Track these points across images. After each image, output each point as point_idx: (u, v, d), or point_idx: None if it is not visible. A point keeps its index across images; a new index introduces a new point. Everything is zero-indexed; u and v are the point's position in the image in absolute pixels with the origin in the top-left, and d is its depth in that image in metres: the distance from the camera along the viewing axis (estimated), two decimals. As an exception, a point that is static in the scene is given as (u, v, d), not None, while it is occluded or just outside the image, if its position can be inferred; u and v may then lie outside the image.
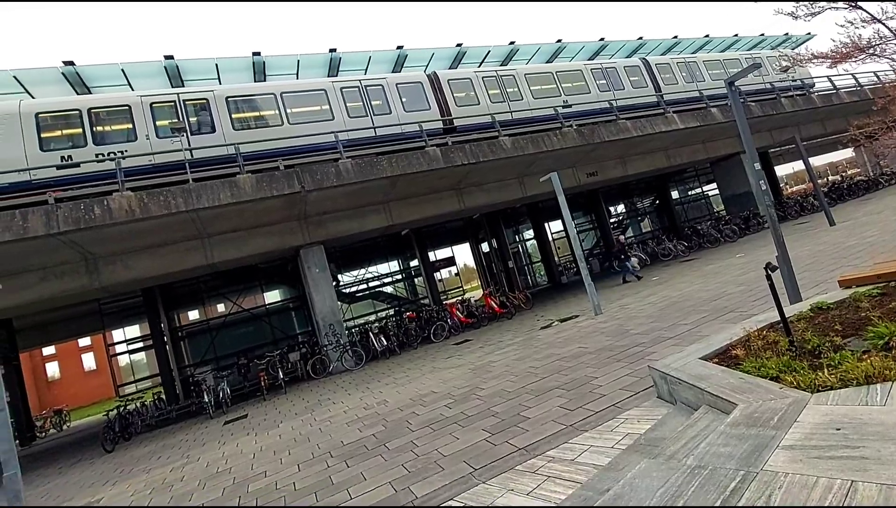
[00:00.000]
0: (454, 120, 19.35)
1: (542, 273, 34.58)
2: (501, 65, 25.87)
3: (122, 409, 14.65)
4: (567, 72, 22.68)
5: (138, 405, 16.00)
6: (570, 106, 21.65)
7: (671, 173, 32.57)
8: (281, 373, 15.12)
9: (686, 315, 9.58)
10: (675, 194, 36.08)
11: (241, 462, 8.01)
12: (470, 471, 5.04)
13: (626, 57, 28.45)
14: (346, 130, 17.39)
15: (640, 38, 27.61)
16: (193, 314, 26.27)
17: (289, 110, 17.21)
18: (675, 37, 28.48)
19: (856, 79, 27.71)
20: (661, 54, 29.51)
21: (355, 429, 8.16)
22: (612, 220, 33.45)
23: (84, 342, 58.96)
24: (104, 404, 29.84)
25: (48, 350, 58.11)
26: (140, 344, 26.27)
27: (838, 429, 3.21)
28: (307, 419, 10.14)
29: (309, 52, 20.20)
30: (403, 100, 18.83)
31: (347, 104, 17.99)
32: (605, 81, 23.23)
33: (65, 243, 13.20)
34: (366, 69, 23.03)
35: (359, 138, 17.67)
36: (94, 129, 14.93)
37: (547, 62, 26.74)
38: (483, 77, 20.70)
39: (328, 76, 21.80)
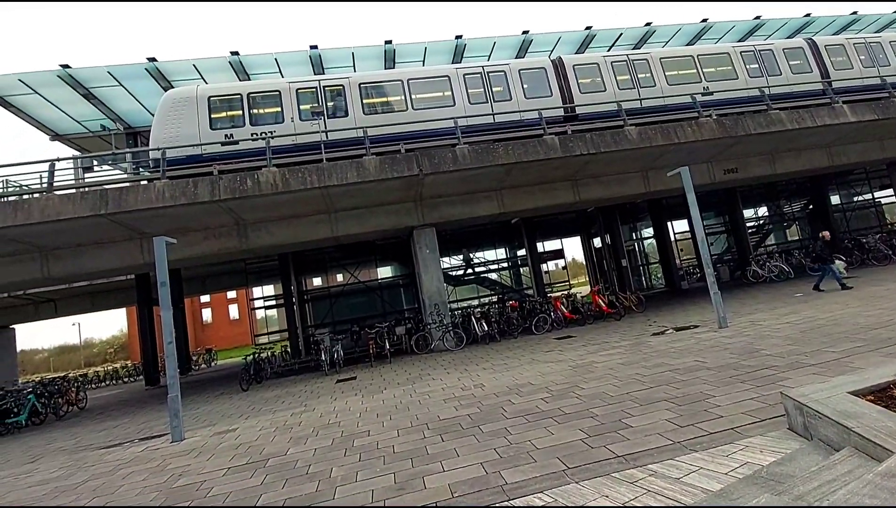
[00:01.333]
0: (576, 108, 18.56)
1: (658, 276, 32.01)
2: (634, 48, 24.04)
3: (256, 356, 16.97)
4: (711, 56, 20.25)
5: (269, 354, 18.37)
6: (711, 93, 19.40)
7: (832, 175, 27.67)
8: (388, 344, 16.21)
9: (835, 342, 8.24)
10: (835, 200, 30.62)
11: (349, 418, 8.81)
12: (563, 468, 4.94)
13: (788, 38, 24.60)
14: (465, 116, 17.68)
15: (808, 14, 23.58)
16: (317, 281, 29.21)
17: (413, 96, 17.99)
18: (855, 13, 23.80)
19: None
20: (834, 34, 24.98)
21: (451, 407, 8.45)
22: (749, 224, 29.58)
23: (231, 294, 69.17)
24: (243, 349, 34.82)
25: (204, 299, 69.30)
26: (273, 302, 30.04)
27: None
28: (408, 389, 10.74)
29: (435, 40, 20.81)
30: (525, 86, 18.52)
31: (469, 91, 18.23)
32: (756, 66, 20.31)
33: (223, 209, 15.53)
34: (489, 55, 23.05)
35: (478, 125, 17.85)
36: (251, 111, 17.19)
37: (688, 44, 24.23)
38: (612, 62, 19.45)
39: (452, 63, 22.26)
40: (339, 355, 15.16)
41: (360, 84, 17.23)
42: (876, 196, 30.14)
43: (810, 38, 21.18)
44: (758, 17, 23.05)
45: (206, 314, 72.47)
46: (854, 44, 20.83)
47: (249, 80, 21.38)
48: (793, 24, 24.47)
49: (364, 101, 17.39)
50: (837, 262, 14.27)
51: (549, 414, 6.93)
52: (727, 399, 6.27)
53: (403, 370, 13.43)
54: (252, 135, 16.74)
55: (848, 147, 21.27)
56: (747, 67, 19.80)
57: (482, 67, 18.62)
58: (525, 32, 21.43)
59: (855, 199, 31.79)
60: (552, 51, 23.32)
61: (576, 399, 7.49)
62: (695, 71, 19.26)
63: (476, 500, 4.59)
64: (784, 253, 24.73)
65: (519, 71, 18.79)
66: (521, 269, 27.89)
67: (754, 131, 17.74)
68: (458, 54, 22.13)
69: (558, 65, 19.38)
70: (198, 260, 19.09)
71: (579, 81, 19.01)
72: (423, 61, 22.43)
